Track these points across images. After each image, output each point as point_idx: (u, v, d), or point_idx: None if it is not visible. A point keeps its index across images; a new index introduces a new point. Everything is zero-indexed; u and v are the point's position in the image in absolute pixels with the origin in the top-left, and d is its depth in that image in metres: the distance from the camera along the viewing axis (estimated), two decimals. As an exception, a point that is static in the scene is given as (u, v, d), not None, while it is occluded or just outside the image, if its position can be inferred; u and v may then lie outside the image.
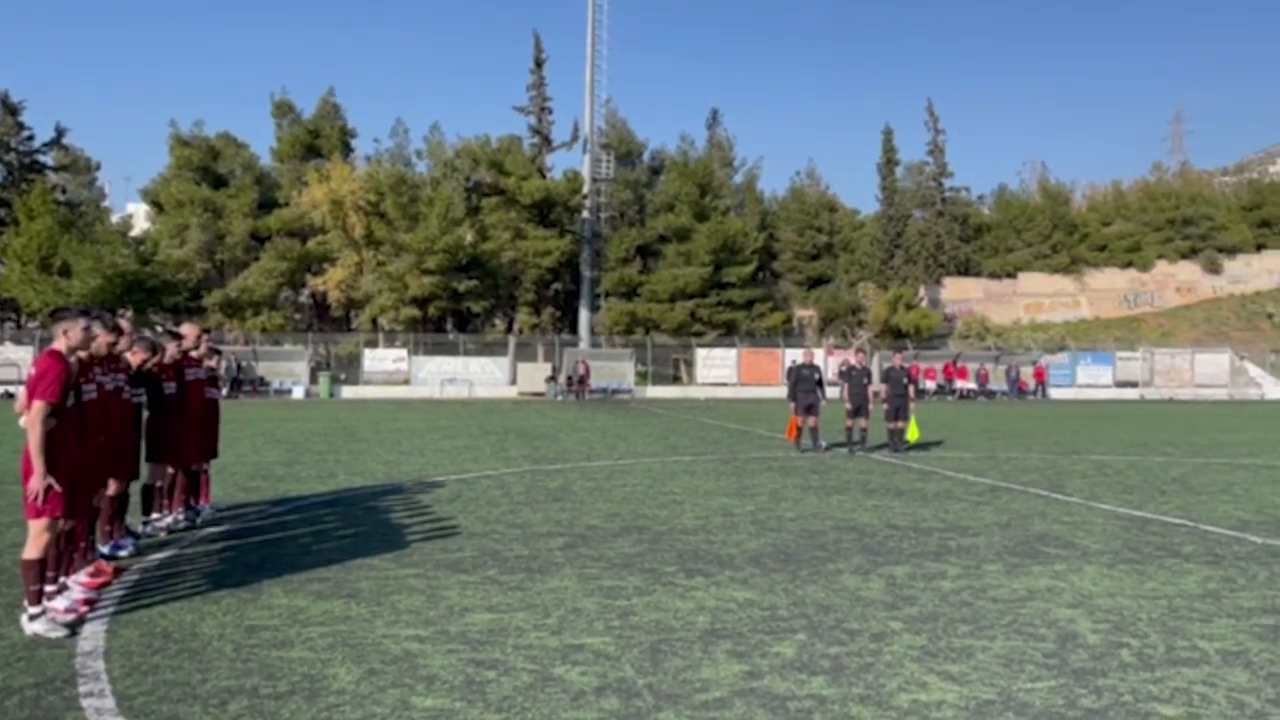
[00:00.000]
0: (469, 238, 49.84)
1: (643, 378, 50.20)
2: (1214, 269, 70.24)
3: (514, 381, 46.85)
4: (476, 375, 46.95)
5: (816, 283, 63.74)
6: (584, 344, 52.96)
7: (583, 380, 45.19)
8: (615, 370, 48.17)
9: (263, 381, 44.81)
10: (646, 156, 63.05)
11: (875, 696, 4.56)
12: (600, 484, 12.48)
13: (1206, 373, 53.83)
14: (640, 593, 6.58)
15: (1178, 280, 70.14)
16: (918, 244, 64.38)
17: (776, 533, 8.96)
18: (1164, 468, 15.13)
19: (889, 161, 66.47)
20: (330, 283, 51.24)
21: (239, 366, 43.78)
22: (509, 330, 55.22)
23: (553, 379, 45.80)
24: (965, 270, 66.92)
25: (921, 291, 62.59)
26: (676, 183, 57.27)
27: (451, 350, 48.72)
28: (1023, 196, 75.20)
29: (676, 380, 53.15)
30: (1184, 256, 70.65)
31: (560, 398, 44.34)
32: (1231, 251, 70.77)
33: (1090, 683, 4.77)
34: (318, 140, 55.11)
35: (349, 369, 49.01)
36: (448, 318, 53.67)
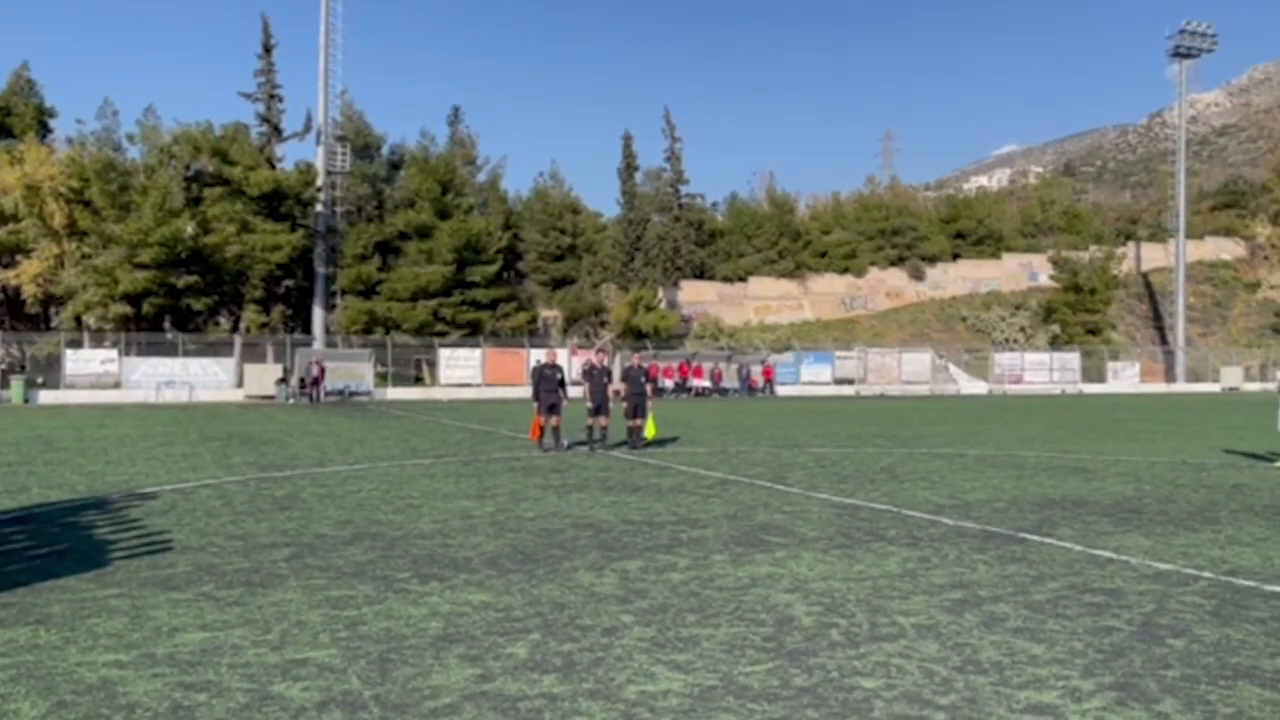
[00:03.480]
0: (189, 230, 46.38)
1: (382, 379, 48.73)
2: (918, 276, 77.42)
3: (240, 384, 44.13)
4: (198, 377, 43.82)
5: (560, 283, 64.49)
6: (318, 344, 50.70)
7: (316, 382, 43.25)
8: (352, 371, 46.40)
9: (-59, 386, 39.76)
10: (385, 151, 61.35)
11: (605, 690, 4.63)
12: (332, 490, 11.98)
13: (912, 370, 59.07)
14: (370, 601, 6.35)
15: (887, 285, 76.73)
16: (656, 247, 66.60)
17: (515, 533, 8.94)
18: (874, 458, 16.43)
19: (629, 167, 68.33)
20: (25, 276, 46.15)
21: (-89, 369, 38.61)
22: (235, 329, 51.93)
23: (284, 381, 43.50)
24: (700, 274, 69.96)
25: (660, 293, 64.75)
26: (417, 179, 56.05)
27: (169, 351, 45.18)
28: (752, 205, 79.66)
29: (419, 381, 52.02)
30: (893, 264, 77.47)
31: (292, 400, 42.23)
32: (932, 260, 78.34)
33: (803, 662, 5.07)
34: (9, 119, 49.58)
35: (48, 371, 44.37)
36: (165, 316, 49.71)
